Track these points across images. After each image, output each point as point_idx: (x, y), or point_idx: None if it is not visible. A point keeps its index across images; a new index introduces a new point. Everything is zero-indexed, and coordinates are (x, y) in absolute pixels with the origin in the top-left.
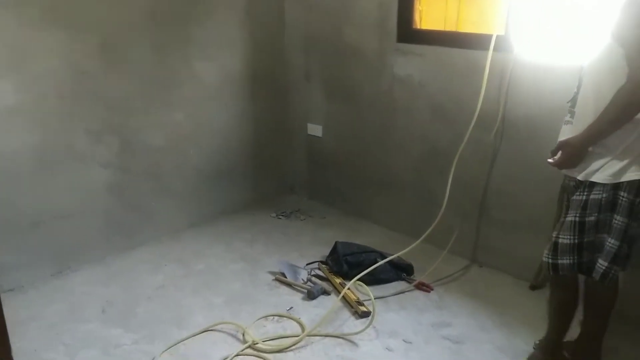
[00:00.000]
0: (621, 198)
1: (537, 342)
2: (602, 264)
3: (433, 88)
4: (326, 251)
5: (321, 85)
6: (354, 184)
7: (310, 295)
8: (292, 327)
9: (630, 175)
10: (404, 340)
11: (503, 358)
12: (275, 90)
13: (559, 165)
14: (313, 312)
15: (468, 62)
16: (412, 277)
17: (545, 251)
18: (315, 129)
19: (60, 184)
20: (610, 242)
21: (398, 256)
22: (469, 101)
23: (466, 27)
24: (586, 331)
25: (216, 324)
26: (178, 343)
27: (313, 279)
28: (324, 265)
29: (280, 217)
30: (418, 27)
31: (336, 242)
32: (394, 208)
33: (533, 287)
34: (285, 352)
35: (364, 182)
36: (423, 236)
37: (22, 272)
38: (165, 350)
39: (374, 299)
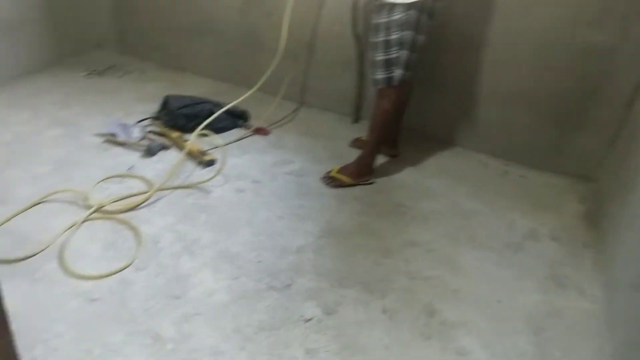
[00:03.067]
0: (411, 15)
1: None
2: (397, 72)
3: None
4: (154, 107)
5: None
6: (171, 33)
7: (150, 152)
8: (138, 186)
9: None
10: (252, 181)
11: None
12: None
13: None
14: (156, 168)
15: None
16: (248, 123)
17: (371, 69)
18: None
19: None
20: (402, 53)
21: (233, 105)
22: None
23: None
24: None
25: (49, 194)
26: (6, 221)
27: (148, 135)
28: (157, 121)
29: (93, 75)
30: None
31: (167, 96)
32: (218, 57)
33: (355, 121)
34: (138, 209)
35: (182, 31)
36: (259, 83)
37: None
38: None
39: (215, 148)
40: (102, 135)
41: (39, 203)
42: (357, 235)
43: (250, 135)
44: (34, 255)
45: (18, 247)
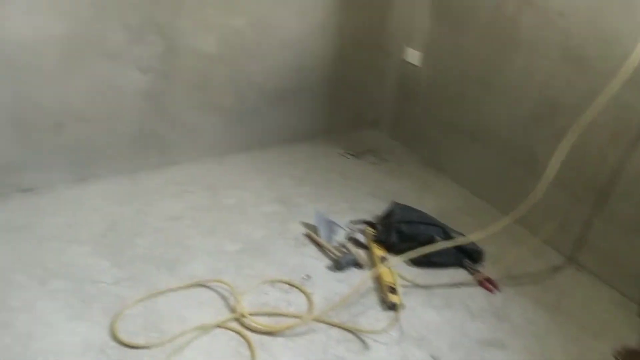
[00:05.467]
0: None
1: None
2: None
3: (575, 19)
4: (384, 209)
5: None
6: (442, 129)
7: (337, 266)
8: (299, 303)
9: None
10: (431, 357)
11: None
12: (371, 0)
13: None
14: (333, 287)
15: None
16: (477, 265)
17: None
18: (413, 56)
19: (89, 84)
20: None
21: (466, 240)
22: (622, 44)
23: None
24: None
25: (210, 281)
26: (158, 294)
27: (349, 244)
28: (370, 228)
29: (348, 155)
30: None
31: (394, 203)
32: (483, 168)
33: None
34: (275, 335)
35: (454, 129)
36: (512, 216)
37: (43, 174)
38: (141, 300)
39: (415, 285)
40: (307, 226)
41: (198, 285)
42: None
43: (469, 285)
44: (148, 348)
45: (145, 329)
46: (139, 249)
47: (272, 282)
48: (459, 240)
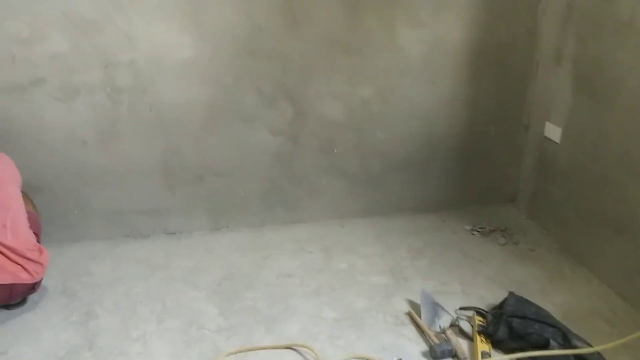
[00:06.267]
0: None
1: None
2: None
3: None
4: (502, 297)
5: (571, 70)
6: (584, 214)
7: (432, 354)
8: None
9: None
10: None
11: None
12: (508, 72)
13: None
14: None
15: None
16: None
17: None
18: (553, 131)
19: (226, 143)
20: None
21: (591, 351)
22: None
23: None
24: None
25: (301, 345)
26: (250, 350)
27: (449, 332)
28: (479, 318)
29: (475, 232)
30: None
31: (511, 294)
32: (631, 266)
33: None
34: None
35: (596, 216)
36: None
37: (185, 220)
38: (233, 353)
39: None
40: (412, 305)
41: (288, 348)
42: None
43: None
44: None
45: None
46: (246, 302)
47: (360, 359)
48: (580, 350)
